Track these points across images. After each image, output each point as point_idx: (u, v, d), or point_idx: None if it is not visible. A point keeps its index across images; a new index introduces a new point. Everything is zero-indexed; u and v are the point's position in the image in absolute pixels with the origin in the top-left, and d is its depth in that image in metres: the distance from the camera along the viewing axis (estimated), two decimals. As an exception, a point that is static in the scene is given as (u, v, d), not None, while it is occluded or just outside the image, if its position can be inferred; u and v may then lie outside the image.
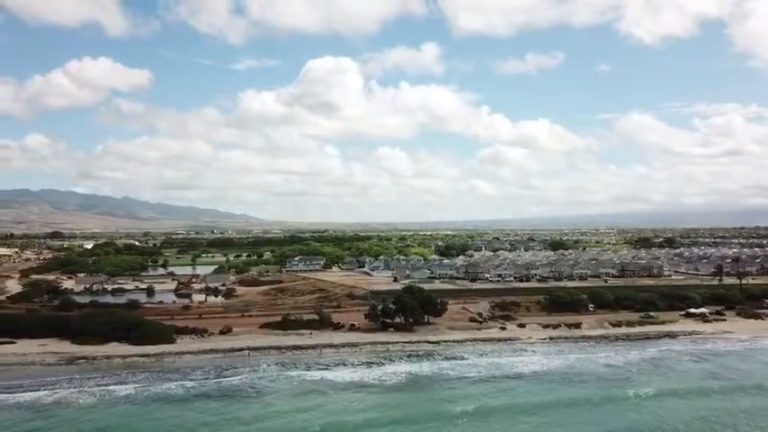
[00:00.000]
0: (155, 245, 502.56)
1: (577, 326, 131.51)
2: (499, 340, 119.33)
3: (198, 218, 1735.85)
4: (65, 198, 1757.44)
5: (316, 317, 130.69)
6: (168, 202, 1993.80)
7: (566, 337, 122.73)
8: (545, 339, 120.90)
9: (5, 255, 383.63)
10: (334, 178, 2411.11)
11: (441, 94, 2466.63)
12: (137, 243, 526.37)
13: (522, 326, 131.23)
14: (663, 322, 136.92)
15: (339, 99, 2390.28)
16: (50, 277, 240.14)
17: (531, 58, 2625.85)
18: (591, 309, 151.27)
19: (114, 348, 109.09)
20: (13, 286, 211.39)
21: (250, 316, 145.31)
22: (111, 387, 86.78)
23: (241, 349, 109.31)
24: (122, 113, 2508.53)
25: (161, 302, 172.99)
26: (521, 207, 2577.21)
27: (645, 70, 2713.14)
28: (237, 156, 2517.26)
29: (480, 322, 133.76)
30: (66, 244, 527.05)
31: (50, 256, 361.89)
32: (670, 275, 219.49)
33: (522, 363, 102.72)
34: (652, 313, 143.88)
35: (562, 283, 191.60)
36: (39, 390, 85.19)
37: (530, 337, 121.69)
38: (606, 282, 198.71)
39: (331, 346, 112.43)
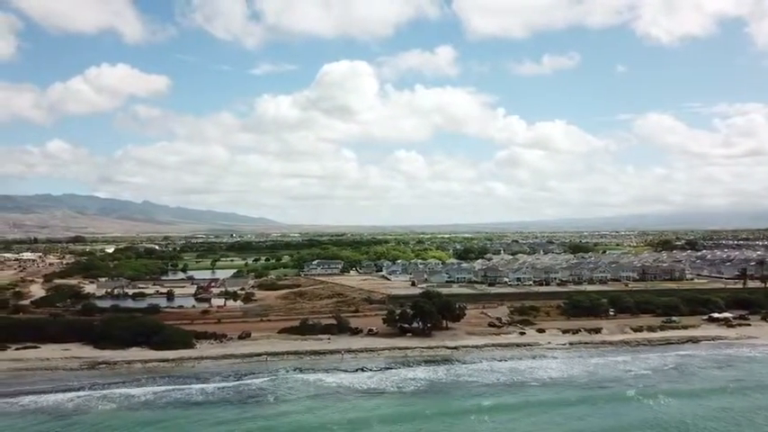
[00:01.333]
0: (174, 249, 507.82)
1: (597, 331, 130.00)
2: (518, 345, 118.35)
3: (217, 222, 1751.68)
4: (86, 203, 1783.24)
5: (334, 321, 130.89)
6: (187, 206, 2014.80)
7: (585, 343, 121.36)
8: (565, 345, 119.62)
9: (30, 259, 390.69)
10: (351, 181, 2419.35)
11: (456, 97, 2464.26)
12: (156, 247, 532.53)
13: (541, 331, 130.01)
14: (685, 327, 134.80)
15: (355, 103, 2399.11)
16: (73, 282, 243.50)
17: (547, 59, 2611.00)
18: (611, 313, 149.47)
19: (135, 353, 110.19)
20: (37, 291, 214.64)
21: (269, 320, 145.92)
22: (131, 392, 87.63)
23: (260, 354, 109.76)
24: (140, 119, 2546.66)
25: (181, 307, 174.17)
26: (538, 209, 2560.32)
27: (663, 70, 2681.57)
28: (255, 160, 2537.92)
29: (499, 327, 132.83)
30: (87, 248, 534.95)
31: (72, 260, 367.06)
32: (692, 279, 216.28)
33: (542, 369, 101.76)
34: (674, 318, 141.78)
35: (582, 287, 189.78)
36: (61, 394, 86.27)
37: (549, 343, 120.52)
38: (627, 285, 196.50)
39: (349, 351, 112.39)
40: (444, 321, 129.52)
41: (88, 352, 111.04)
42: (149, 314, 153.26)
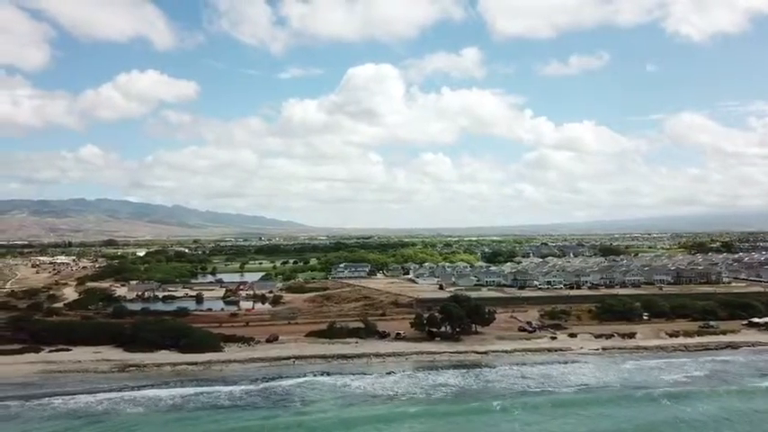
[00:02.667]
0: (203, 252, 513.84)
1: (631, 336, 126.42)
2: (549, 350, 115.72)
3: (245, 225, 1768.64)
4: (118, 207, 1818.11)
5: (361, 325, 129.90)
6: (217, 210, 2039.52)
7: (619, 348, 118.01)
8: (597, 350, 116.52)
9: (64, 262, 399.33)
10: (378, 185, 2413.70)
11: (483, 98, 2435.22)
12: (186, 250, 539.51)
13: (573, 336, 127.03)
14: (724, 332, 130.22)
15: (381, 106, 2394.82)
16: (105, 285, 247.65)
17: (575, 59, 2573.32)
18: (645, 318, 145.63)
19: (164, 356, 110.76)
20: (70, 294, 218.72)
21: (296, 323, 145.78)
22: (160, 395, 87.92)
23: (287, 358, 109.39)
24: (170, 124, 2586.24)
25: (209, 310, 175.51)
26: (568, 211, 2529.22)
27: (695, 69, 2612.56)
28: (282, 164, 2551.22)
29: (530, 332, 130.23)
30: (119, 252, 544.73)
31: (105, 263, 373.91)
32: (729, 282, 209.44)
33: (575, 375, 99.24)
34: (711, 323, 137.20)
35: (614, 291, 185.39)
36: (91, 397, 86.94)
37: (581, 348, 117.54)
38: (661, 289, 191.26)
39: (377, 355, 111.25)
40: (473, 326, 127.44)
41: (118, 354, 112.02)
42: (178, 317, 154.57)
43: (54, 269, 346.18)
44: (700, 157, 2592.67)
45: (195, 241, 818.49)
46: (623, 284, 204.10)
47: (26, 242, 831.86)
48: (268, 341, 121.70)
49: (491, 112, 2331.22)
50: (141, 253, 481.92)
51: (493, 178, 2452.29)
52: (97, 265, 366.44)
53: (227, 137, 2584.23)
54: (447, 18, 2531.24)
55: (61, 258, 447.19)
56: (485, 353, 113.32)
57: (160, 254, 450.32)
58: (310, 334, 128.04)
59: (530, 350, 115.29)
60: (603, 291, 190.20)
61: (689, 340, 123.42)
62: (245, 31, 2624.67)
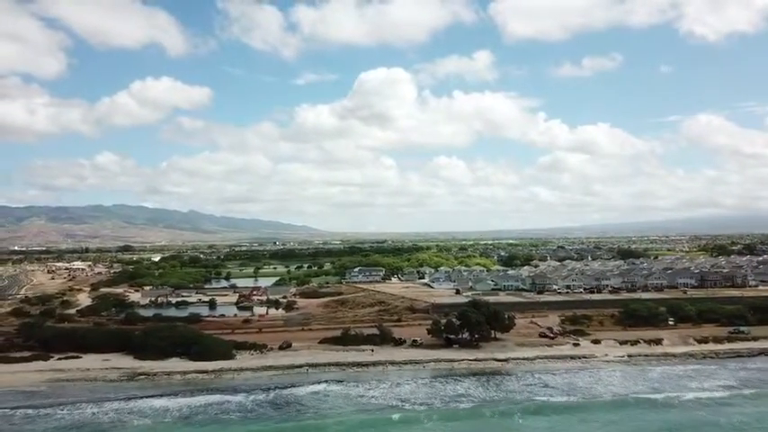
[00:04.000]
0: (218, 257, 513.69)
1: (658, 342, 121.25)
2: (572, 358, 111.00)
3: (260, 230, 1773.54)
4: (135, 213, 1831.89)
5: (376, 331, 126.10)
6: (232, 215, 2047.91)
7: (646, 355, 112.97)
8: (623, 357, 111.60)
9: (80, 268, 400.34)
10: (391, 188, 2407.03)
11: (496, 102, 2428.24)
12: (201, 256, 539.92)
13: (596, 342, 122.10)
14: (755, 338, 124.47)
15: (393, 110, 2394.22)
16: (119, 290, 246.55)
17: (588, 61, 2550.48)
18: (671, 323, 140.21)
19: (174, 364, 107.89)
20: (84, 299, 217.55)
21: (310, 330, 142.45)
22: (168, 405, 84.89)
23: (300, 366, 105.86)
24: (184, 130, 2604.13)
25: (222, 316, 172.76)
26: (583, 214, 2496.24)
27: (711, 70, 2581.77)
28: (296, 168, 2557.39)
29: (551, 338, 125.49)
30: (134, 257, 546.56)
31: (119, 269, 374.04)
32: (756, 286, 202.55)
33: (601, 384, 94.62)
34: (741, 328, 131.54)
35: (636, 295, 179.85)
36: (97, 407, 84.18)
37: (606, 355, 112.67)
38: (685, 293, 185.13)
39: (392, 363, 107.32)
40: (493, 332, 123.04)
41: (128, 362, 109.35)
42: (191, 323, 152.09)
43: (69, 275, 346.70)
44: (717, 158, 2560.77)
45: (210, 246, 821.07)
46: (645, 288, 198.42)
47: (44, 248, 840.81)
48: (281, 348, 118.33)
49: (504, 115, 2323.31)
50: (156, 258, 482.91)
51: (507, 181, 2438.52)
52: (112, 271, 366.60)
53: (241, 142, 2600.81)
54: (458, 21, 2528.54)
55: (77, 264, 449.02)
56: (505, 360, 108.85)
57: (175, 259, 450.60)
58: (324, 341, 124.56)
59: (552, 357, 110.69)
60: (625, 295, 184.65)
61: (719, 347, 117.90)
62: (257, 37, 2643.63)
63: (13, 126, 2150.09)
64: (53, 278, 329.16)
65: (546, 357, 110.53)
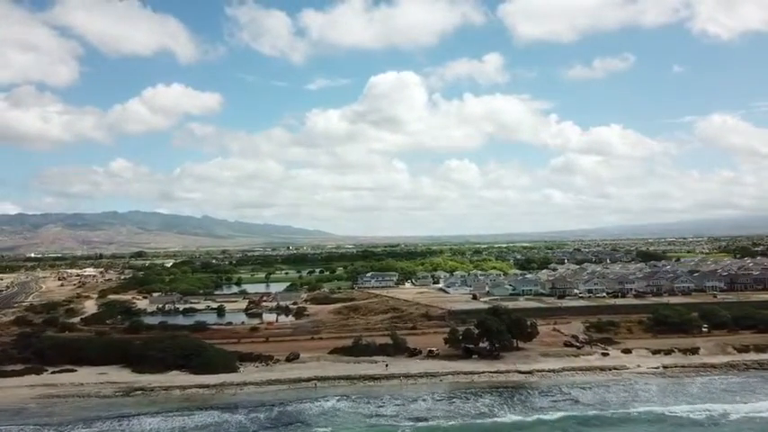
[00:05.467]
0: (230, 262, 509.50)
1: (694, 351, 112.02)
2: (602, 369, 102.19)
3: (274, 235, 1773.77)
4: (149, 219, 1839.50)
5: (390, 341, 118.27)
6: (245, 220, 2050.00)
7: (682, 366, 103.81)
8: (657, 368, 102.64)
9: (91, 275, 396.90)
10: (403, 192, 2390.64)
11: (507, 104, 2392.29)
12: (214, 261, 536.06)
13: (626, 351, 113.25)
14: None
15: (403, 113, 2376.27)
16: (127, 297, 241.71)
17: (599, 62, 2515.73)
18: (704, 330, 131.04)
19: (174, 378, 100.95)
20: (91, 307, 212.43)
21: (320, 338, 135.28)
22: (161, 426, 78.01)
23: (308, 379, 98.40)
24: (195, 136, 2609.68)
25: (229, 323, 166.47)
26: (597, 216, 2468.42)
27: (724, 69, 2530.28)
28: (307, 173, 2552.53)
29: (577, 347, 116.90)
30: (147, 263, 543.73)
31: (130, 275, 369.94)
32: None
33: (636, 400, 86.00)
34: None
35: (663, 299, 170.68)
36: (86, 428, 77.55)
37: (638, 366, 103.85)
38: (715, 297, 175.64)
39: (407, 376, 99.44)
40: (515, 341, 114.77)
41: (125, 376, 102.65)
42: (196, 332, 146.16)
43: (79, 282, 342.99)
44: (732, 159, 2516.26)
45: (223, 251, 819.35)
46: (672, 292, 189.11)
47: (60, 255, 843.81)
48: (288, 360, 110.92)
49: (516, 117, 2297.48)
50: (169, 264, 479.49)
51: (519, 184, 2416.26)
52: (122, 277, 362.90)
53: (252, 148, 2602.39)
54: (467, 24, 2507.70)
55: (89, 270, 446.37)
56: (529, 372, 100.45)
57: (186, 264, 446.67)
58: (334, 351, 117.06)
59: (580, 369, 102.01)
60: (651, 299, 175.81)
61: (763, 356, 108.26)
62: (266, 43, 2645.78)
63: (28, 134, 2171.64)
64: (62, 285, 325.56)
65: (573, 369, 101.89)
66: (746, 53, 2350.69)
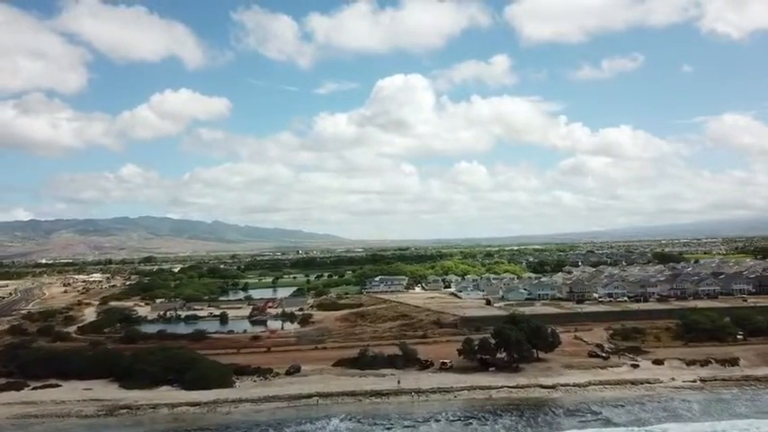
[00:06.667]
0: (238, 267, 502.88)
1: (732, 362, 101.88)
2: (633, 383, 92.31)
3: (284, 239, 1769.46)
4: (160, 224, 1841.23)
5: (399, 351, 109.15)
6: (255, 225, 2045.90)
7: (722, 380, 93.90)
8: (694, 382, 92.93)
9: (96, 281, 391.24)
10: (412, 195, 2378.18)
11: (515, 106, 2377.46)
12: (222, 266, 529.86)
13: (658, 362, 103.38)
14: None
15: (411, 116, 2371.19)
16: (129, 303, 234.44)
17: (608, 62, 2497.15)
18: (739, 337, 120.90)
19: (163, 394, 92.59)
20: (90, 314, 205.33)
21: (324, 348, 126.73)
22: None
23: (309, 396, 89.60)
24: (204, 141, 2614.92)
25: (230, 332, 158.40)
26: (607, 218, 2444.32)
27: (735, 68, 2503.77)
28: (316, 177, 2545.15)
29: (603, 357, 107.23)
30: (155, 268, 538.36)
31: (135, 280, 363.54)
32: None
33: (678, 419, 76.25)
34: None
35: (689, 303, 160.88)
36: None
37: (673, 379, 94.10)
38: (745, 300, 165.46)
39: (418, 391, 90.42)
40: (535, 351, 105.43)
41: (111, 392, 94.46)
42: (194, 341, 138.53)
43: (83, 288, 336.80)
44: (745, 159, 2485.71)
45: (233, 256, 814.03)
46: (696, 295, 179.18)
47: (70, 260, 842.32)
48: (288, 373, 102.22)
49: (524, 119, 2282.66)
50: (176, 269, 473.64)
51: (529, 186, 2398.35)
52: (128, 283, 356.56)
53: (261, 152, 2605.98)
54: (474, 26, 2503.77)
55: (95, 276, 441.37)
56: (552, 387, 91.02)
57: (193, 269, 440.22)
58: (339, 363, 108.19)
59: (608, 383, 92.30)
60: (676, 303, 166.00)
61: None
62: (273, 47, 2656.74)
63: (38, 141, 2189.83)
64: (66, 291, 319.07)
65: (601, 383, 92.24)
66: (757, 52, 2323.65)
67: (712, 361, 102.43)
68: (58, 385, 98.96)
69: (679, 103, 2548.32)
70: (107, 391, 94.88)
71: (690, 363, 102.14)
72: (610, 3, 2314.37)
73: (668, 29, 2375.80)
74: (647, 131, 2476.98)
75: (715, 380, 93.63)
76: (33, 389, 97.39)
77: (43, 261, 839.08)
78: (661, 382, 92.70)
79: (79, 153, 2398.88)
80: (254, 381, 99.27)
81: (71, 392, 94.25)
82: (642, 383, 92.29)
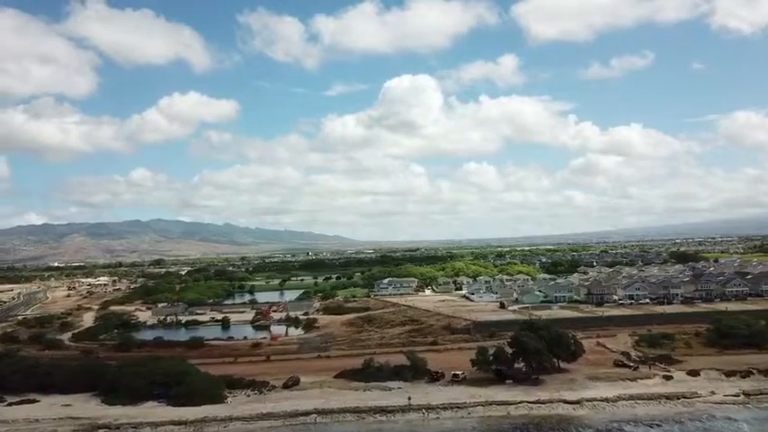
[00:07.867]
0: (247, 269, 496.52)
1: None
2: (668, 398, 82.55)
3: (294, 241, 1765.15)
4: (171, 227, 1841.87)
5: (406, 361, 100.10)
6: (266, 227, 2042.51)
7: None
8: (737, 396, 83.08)
9: (101, 284, 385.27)
10: (422, 196, 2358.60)
11: (524, 106, 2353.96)
12: (231, 268, 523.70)
13: (693, 373, 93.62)
14: None
15: (419, 117, 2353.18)
16: (130, 308, 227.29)
17: (616, 60, 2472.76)
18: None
19: (147, 411, 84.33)
20: (89, 320, 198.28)
21: (327, 357, 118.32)
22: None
23: (307, 413, 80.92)
24: (213, 144, 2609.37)
25: (230, 338, 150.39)
26: (619, 218, 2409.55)
27: (747, 65, 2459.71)
28: (325, 179, 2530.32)
29: (632, 368, 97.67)
30: (163, 271, 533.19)
31: (140, 283, 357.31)
32: None
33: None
34: None
35: (718, 306, 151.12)
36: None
37: (713, 393, 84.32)
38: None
39: (428, 408, 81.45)
40: (556, 361, 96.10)
41: (92, 409, 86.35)
42: (191, 348, 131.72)
43: (87, 291, 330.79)
44: (758, 156, 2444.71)
45: (243, 258, 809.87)
46: (723, 297, 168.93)
47: (81, 264, 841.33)
48: (285, 386, 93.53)
49: (533, 118, 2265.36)
50: (184, 272, 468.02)
51: (540, 186, 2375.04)
52: (132, 286, 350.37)
53: (270, 154, 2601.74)
54: (481, 26, 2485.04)
55: (101, 279, 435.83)
56: (577, 402, 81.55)
57: (200, 272, 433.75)
58: (341, 374, 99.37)
59: (640, 398, 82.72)
60: (703, 306, 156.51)
61: None
62: (279, 49, 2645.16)
63: (49, 145, 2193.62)
64: (69, 295, 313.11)
65: (631, 398, 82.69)
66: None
67: (754, 371, 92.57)
68: (36, 401, 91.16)
69: (690, 100, 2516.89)
70: (87, 408, 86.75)
71: (729, 374, 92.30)
72: (618, 0, 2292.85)
73: (678, 25, 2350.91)
74: (659, 130, 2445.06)
75: (761, 393, 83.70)
76: (9, 405, 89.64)
77: (55, 264, 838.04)
78: (699, 397, 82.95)
79: (89, 157, 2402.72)
80: (248, 395, 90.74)
81: (48, 409, 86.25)
82: (678, 398, 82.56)
